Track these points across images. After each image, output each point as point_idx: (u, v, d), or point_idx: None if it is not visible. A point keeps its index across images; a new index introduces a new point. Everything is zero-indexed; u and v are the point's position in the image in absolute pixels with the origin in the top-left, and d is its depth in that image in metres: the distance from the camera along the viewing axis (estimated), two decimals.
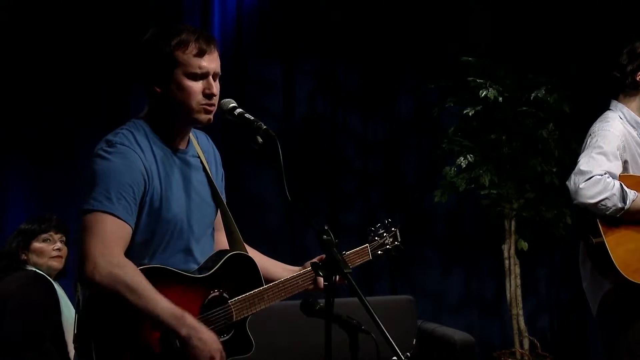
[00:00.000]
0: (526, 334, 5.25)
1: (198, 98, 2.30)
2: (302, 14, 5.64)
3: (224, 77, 2.38)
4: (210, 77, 2.32)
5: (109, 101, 5.19)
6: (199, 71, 2.29)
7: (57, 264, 3.67)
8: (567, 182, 3.08)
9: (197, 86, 2.30)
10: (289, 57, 5.70)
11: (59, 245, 3.68)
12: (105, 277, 2.12)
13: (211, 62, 2.31)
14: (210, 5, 5.51)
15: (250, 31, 5.61)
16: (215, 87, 2.32)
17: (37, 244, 3.65)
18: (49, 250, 3.65)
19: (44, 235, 3.66)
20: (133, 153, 2.26)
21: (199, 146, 2.48)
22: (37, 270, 3.62)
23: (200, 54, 2.29)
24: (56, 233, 3.69)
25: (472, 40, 5.38)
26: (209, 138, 2.57)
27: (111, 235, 2.17)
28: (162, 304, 2.16)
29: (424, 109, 5.66)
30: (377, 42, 5.74)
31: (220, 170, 2.56)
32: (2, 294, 3.50)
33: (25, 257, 3.63)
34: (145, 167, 2.27)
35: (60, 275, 3.72)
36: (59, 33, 5.02)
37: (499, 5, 5.62)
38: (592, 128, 3.21)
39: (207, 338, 2.21)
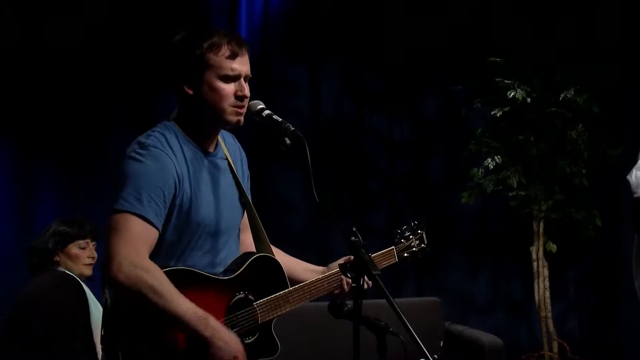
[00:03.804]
0: (555, 337, 5.20)
1: (230, 100, 2.31)
2: (328, 16, 5.63)
3: (251, 78, 2.39)
4: (242, 79, 2.33)
5: (137, 103, 5.22)
6: (231, 73, 2.30)
7: (89, 272, 3.70)
8: (627, 177, 3.02)
9: (229, 88, 2.31)
10: (315, 58, 5.70)
11: (93, 253, 3.71)
12: (128, 278, 2.13)
13: (243, 65, 2.33)
14: (238, 8, 5.52)
15: (277, 33, 5.61)
16: (247, 89, 2.33)
17: (74, 249, 3.66)
18: (84, 257, 3.68)
19: (81, 242, 3.68)
20: (165, 156, 2.27)
21: (226, 147, 2.49)
22: (67, 271, 3.64)
23: (233, 56, 2.31)
24: (92, 240, 3.71)
25: (499, 41, 5.34)
26: (235, 138, 2.57)
27: (138, 237, 2.18)
28: (185, 305, 2.16)
29: (451, 110, 5.62)
30: (403, 42, 5.71)
31: (246, 172, 2.57)
32: (31, 294, 3.54)
33: (59, 259, 3.66)
34: (176, 170, 2.28)
35: (88, 277, 3.75)
36: (88, 35, 5.06)
37: (526, 4, 5.57)
38: None
39: (229, 340, 2.22)
